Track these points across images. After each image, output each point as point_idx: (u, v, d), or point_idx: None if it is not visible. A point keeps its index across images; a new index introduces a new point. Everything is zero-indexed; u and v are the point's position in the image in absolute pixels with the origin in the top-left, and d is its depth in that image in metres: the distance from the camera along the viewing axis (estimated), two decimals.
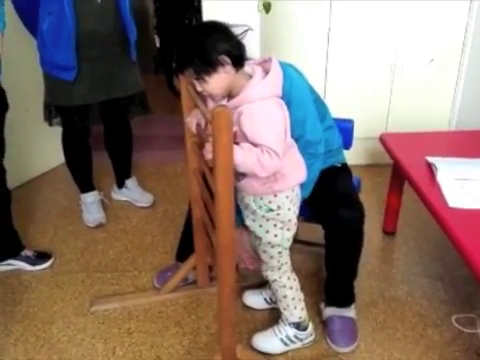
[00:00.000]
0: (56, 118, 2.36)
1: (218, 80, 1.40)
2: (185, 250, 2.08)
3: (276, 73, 1.45)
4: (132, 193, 2.78)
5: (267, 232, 1.59)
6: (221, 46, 1.36)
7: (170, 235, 2.46)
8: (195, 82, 1.42)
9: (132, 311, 1.99)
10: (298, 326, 1.76)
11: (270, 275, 1.70)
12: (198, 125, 1.56)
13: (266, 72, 1.45)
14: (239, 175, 1.49)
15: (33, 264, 2.23)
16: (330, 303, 1.87)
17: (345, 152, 1.95)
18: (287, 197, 1.55)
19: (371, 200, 2.73)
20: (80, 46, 2.14)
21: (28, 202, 2.78)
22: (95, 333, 1.89)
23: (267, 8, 2.92)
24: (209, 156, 1.33)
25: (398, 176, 2.27)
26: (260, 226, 1.59)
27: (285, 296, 1.72)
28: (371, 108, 2.98)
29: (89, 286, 2.14)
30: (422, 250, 2.34)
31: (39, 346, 1.83)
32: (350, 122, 2.05)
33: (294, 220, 1.61)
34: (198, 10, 4.50)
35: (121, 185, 2.79)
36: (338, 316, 1.83)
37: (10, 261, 2.22)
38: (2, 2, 1.90)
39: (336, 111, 1.95)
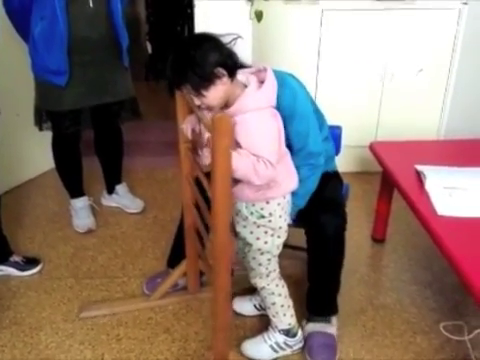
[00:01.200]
0: (46, 123, 2.35)
1: (216, 92, 1.39)
2: (177, 257, 2.07)
3: (271, 83, 1.45)
4: (122, 199, 2.78)
5: (257, 239, 1.60)
6: (214, 58, 1.36)
7: (160, 241, 2.45)
8: (193, 97, 1.41)
9: (121, 317, 1.98)
10: (287, 333, 1.76)
11: (258, 282, 1.70)
12: (193, 131, 1.57)
13: (261, 82, 1.45)
14: (232, 181, 1.50)
15: (22, 270, 2.21)
16: (311, 315, 1.83)
17: (335, 159, 1.97)
18: (279, 204, 1.56)
19: (361, 207, 2.75)
20: (72, 51, 2.14)
21: (17, 207, 2.76)
22: (83, 339, 1.87)
23: (259, 17, 2.95)
24: (207, 161, 1.34)
25: (387, 184, 2.29)
26: (251, 233, 1.60)
27: (274, 303, 1.72)
28: (361, 117, 3.00)
29: (78, 292, 2.12)
30: (411, 258, 2.36)
31: (27, 352, 1.81)
32: (338, 128, 2.08)
33: (285, 227, 1.62)
34: (190, 17, 4.54)
35: (111, 191, 2.78)
36: (319, 332, 1.79)
37: None
38: None
39: (326, 119, 1.97)
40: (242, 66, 1.46)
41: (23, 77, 2.48)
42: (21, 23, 2.19)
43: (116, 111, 2.48)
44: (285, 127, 1.53)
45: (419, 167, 2.02)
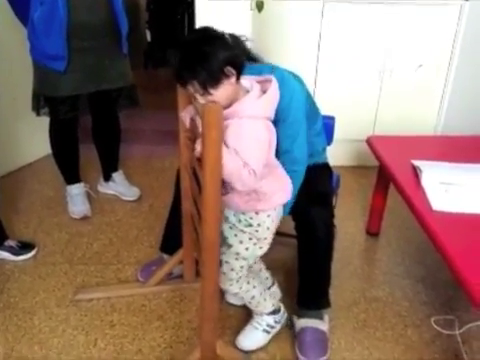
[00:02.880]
0: (44, 108, 2.33)
1: (224, 91, 1.35)
2: (169, 241, 2.09)
3: (272, 96, 1.43)
4: (118, 186, 2.77)
5: (240, 242, 1.59)
6: (225, 56, 1.32)
7: (155, 229, 2.45)
8: (198, 96, 1.36)
9: (115, 304, 1.99)
10: (273, 312, 1.79)
11: (230, 289, 1.68)
12: (192, 120, 1.56)
13: (263, 91, 1.42)
14: (222, 189, 1.49)
15: (16, 254, 2.21)
16: (302, 308, 1.83)
17: (330, 151, 2.00)
18: (268, 216, 1.55)
19: (356, 201, 2.76)
20: (71, 36, 2.13)
21: (13, 192, 2.75)
22: (77, 324, 1.88)
23: (260, 7, 2.93)
24: (198, 148, 1.33)
25: (384, 178, 2.30)
26: (235, 235, 1.59)
27: (253, 297, 1.73)
28: (359, 111, 3.00)
29: (72, 278, 2.13)
30: (405, 252, 2.38)
31: (20, 336, 1.82)
32: (331, 119, 2.11)
33: (269, 239, 1.61)
34: (190, 6, 4.51)
35: (108, 178, 2.78)
36: (310, 327, 1.78)
37: None
38: None
39: (325, 112, 1.98)
40: (254, 59, 1.43)
41: (20, 61, 2.47)
42: (20, 7, 2.18)
43: (114, 98, 2.47)
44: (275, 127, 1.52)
45: (416, 162, 2.03)
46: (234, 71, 1.34)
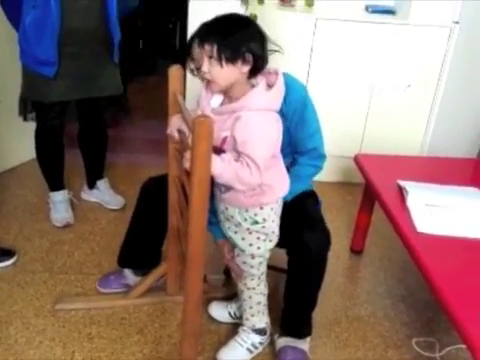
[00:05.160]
0: (31, 113, 2.31)
1: (230, 72, 1.37)
2: (128, 255, 2.06)
3: (280, 89, 1.45)
4: (103, 194, 2.74)
5: (250, 245, 1.59)
6: (255, 46, 1.35)
7: None
8: (206, 60, 1.36)
9: (94, 316, 1.95)
10: (261, 332, 1.78)
11: (249, 283, 1.70)
12: (179, 131, 1.55)
13: (268, 85, 1.44)
14: (222, 187, 1.49)
15: None
16: (285, 333, 1.81)
17: None
18: (272, 209, 1.55)
19: (341, 218, 2.76)
20: (62, 42, 2.11)
21: None
22: (54, 336, 1.84)
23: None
24: (187, 165, 1.32)
25: (369, 196, 2.30)
26: (243, 239, 1.59)
27: (259, 303, 1.73)
28: (347, 128, 3.02)
29: (51, 287, 2.09)
30: (387, 271, 2.38)
31: None
32: None
33: (277, 231, 1.62)
34: (183, 14, 4.51)
35: (92, 186, 2.74)
36: (291, 347, 1.77)
37: None
38: None
39: None
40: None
41: (8, 64, 2.44)
42: (12, 10, 2.15)
43: (103, 106, 2.45)
44: (296, 129, 1.56)
45: (402, 182, 2.04)
46: (251, 62, 1.35)
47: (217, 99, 1.48)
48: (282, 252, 1.74)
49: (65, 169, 2.56)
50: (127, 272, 2.08)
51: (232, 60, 1.35)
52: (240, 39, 1.35)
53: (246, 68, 1.37)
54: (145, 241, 1.97)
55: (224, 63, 1.35)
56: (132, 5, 2.64)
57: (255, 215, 1.54)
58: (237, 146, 1.38)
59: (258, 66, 1.39)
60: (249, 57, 1.36)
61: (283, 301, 1.80)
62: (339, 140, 2.93)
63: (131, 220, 2.02)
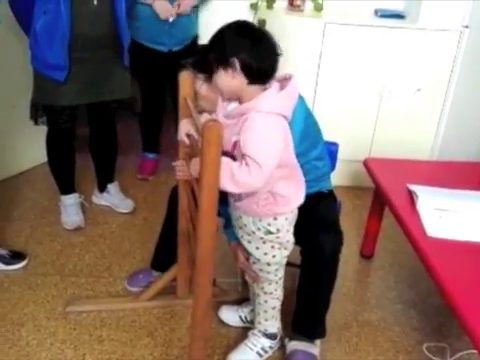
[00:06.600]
0: (42, 117, 2.33)
1: (225, 79, 1.38)
2: (160, 258, 2.09)
3: (289, 93, 1.43)
4: (113, 198, 2.76)
5: (265, 254, 1.60)
6: (240, 51, 1.35)
7: (148, 243, 2.43)
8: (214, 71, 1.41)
9: (104, 318, 1.96)
10: (272, 336, 1.78)
11: (267, 288, 1.70)
12: (189, 136, 1.56)
13: (282, 89, 1.43)
14: (236, 194, 1.48)
15: (7, 263, 2.19)
16: (297, 335, 1.81)
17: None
18: (286, 219, 1.55)
19: (351, 223, 2.76)
20: (72, 47, 2.13)
21: (6, 199, 2.72)
22: (65, 338, 1.86)
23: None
24: (195, 173, 1.33)
25: (379, 201, 2.30)
26: (257, 248, 1.59)
27: (274, 307, 1.74)
28: (357, 132, 3.01)
29: (62, 290, 2.11)
30: (397, 276, 2.37)
31: (7, 348, 1.79)
32: (335, 145, 2.08)
33: (292, 240, 1.62)
34: None
35: (102, 189, 2.76)
36: (301, 350, 1.77)
37: None
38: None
39: (322, 133, 1.97)
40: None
41: (20, 69, 2.46)
42: (24, 16, 2.18)
43: (113, 109, 2.47)
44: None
45: (412, 186, 2.03)
46: (238, 67, 1.35)
47: (232, 106, 1.47)
48: (296, 248, 1.73)
49: (76, 173, 2.58)
50: (155, 271, 2.11)
51: (221, 67, 1.37)
52: (224, 46, 1.36)
53: (237, 74, 1.37)
54: (174, 245, 1.96)
55: (219, 71, 1.38)
56: (194, 33, 2.83)
57: (269, 225, 1.53)
58: (240, 147, 1.36)
59: (253, 71, 1.37)
60: (234, 62, 1.35)
61: (296, 301, 1.81)
62: (348, 144, 2.91)
63: (163, 223, 2.06)
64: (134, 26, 2.70)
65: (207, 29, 2.87)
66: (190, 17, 2.78)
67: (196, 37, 2.89)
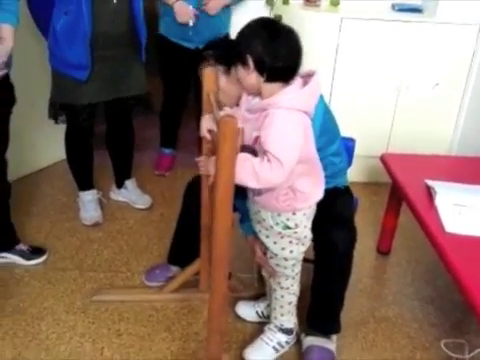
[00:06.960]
0: (62, 116, 2.36)
1: (243, 75, 1.41)
2: (177, 253, 2.11)
3: (312, 89, 1.43)
4: (131, 194, 2.79)
5: (283, 249, 1.60)
6: (254, 48, 1.36)
7: (165, 239, 2.44)
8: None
9: (122, 312, 1.99)
10: (288, 331, 1.78)
11: (283, 283, 1.71)
12: (210, 131, 1.57)
13: (305, 85, 1.43)
14: (257, 190, 1.48)
15: (27, 259, 2.22)
16: (311, 330, 1.81)
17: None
18: (304, 214, 1.55)
19: (367, 218, 2.74)
20: (94, 46, 2.15)
21: (26, 196, 2.77)
22: (84, 332, 1.89)
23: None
24: (212, 170, 1.35)
25: (396, 197, 2.28)
26: (274, 243, 1.60)
27: (290, 303, 1.74)
28: (374, 127, 2.99)
29: (81, 285, 2.14)
30: (415, 272, 2.35)
31: (27, 341, 1.83)
32: (352, 141, 2.06)
33: (309, 236, 1.62)
34: None
35: (120, 185, 2.79)
36: (317, 346, 1.77)
37: (4, 254, 2.22)
38: None
39: (340, 128, 1.96)
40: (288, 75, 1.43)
41: (39, 68, 2.50)
42: (42, 17, 2.20)
43: (130, 106, 2.50)
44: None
45: (430, 182, 2.02)
46: (252, 64, 1.36)
47: (256, 101, 1.47)
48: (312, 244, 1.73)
49: (94, 169, 2.61)
50: (172, 265, 2.13)
51: (237, 63, 1.41)
52: (240, 43, 1.40)
53: (251, 71, 1.38)
54: (190, 240, 1.99)
55: (237, 67, 1.42)
56: (223, 32, 2.81)
57: (287, 220, 1.53)
58: (262, 143, 1.37)
59: (267, 72, 1.37)
60: (248, 59, 1.36)
61: (310, 296, 1.81)
62: (366, 140, 2.88)
63: (178, 219, 2.07)
64: (164, 21, 2.72)
65: (235, 27, 2.89)
66: (220, 16, 2.76)
67: (226, 36, 2.84)
